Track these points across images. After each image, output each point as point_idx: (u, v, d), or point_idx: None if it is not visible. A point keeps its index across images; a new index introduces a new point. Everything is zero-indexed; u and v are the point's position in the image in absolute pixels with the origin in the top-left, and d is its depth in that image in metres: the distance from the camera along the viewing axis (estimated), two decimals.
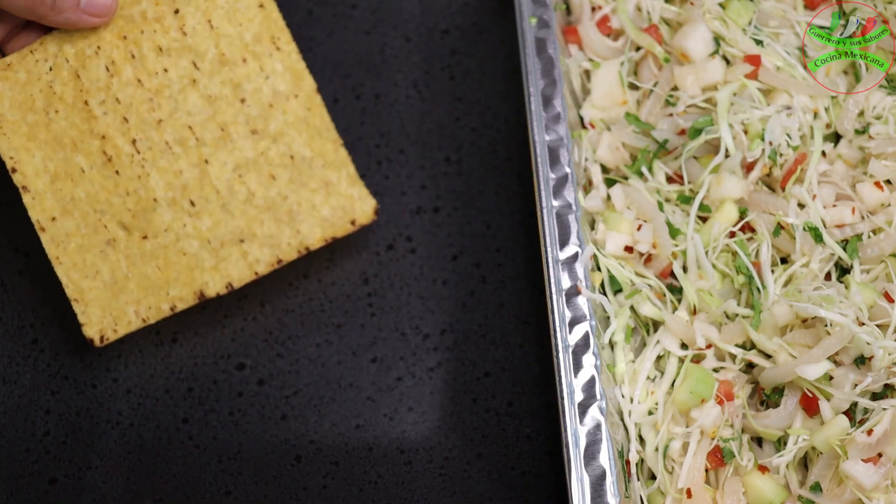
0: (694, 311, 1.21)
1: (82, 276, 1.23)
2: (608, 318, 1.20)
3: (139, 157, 1.23)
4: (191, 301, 1.25)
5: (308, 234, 1.27)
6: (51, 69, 1.22)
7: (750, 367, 1.20)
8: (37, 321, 1.34)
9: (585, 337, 1.16)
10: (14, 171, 1.22)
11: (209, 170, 1.25)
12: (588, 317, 1.16)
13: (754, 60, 1.27)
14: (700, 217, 1.24)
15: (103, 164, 1.23)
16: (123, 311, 1.24)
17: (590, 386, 1.14)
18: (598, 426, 1.12)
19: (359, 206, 1.28)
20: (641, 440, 1.17)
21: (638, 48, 1.32)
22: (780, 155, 1.24)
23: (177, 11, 1.23)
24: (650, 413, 1.18)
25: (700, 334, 1.18)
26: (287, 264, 1.27)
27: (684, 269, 1.23)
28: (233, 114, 1.25)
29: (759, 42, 1.29)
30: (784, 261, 1.23)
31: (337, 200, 1.28)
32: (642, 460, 1.17)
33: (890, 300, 1.17)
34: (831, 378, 1.14)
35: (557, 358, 1.15)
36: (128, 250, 1.24)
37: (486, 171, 1.41)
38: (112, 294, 1.24)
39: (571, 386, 1.14)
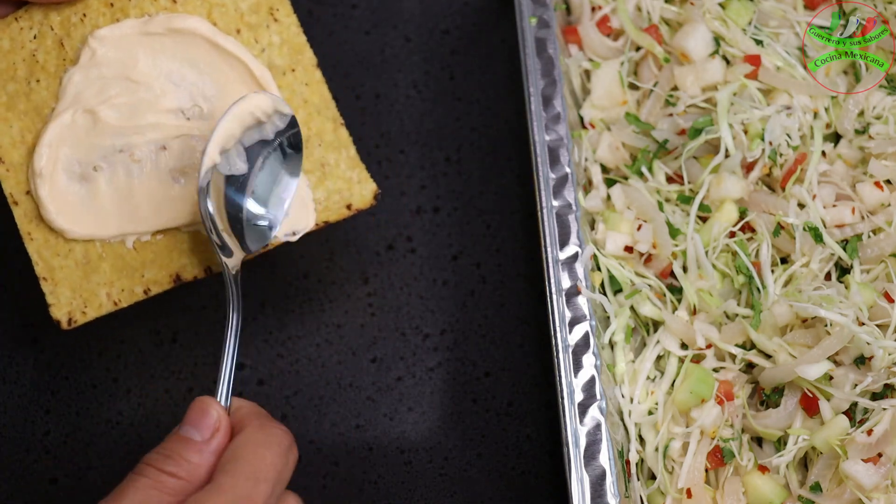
0: (694, 311, 1.21)
1: (54, 254, 1.18)
2: (608, 318, 1.20)
3: None
4: (166, 285, 1.19)
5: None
6: (35, 37, 1.16)
7: (750, 367, 1.20)
8: (37, 321, 1.34)
9: (585, 337, 1.16)
10: None
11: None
12: (588, 317, 1.16)
13: (754, 60, 1.27)
14: (700, 217, 1.24)
15: None
16: (94, 292, 1.18)
17: (590, 386, 1.14)
18: (598, 426, 1.12)
19: (357, 189, 1.20)
20: (641, 440, 1.17)
21: (638, 48, 1.32)
22: (780, 155, 1.24)
23: None
24: (650, 413, 1.18)
25: (700, 334, 1.18)
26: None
27: (684, 269, 1.23)
28: None
29: (759, 42, 1.29)
30: (784, 261, 1.24)
31: (333, 183, 1.20)
32: (642, 460, 1.17)
33: (890, 300, 1.17)
34: (831, 378, 1.15)
35: (557, 358, 1.15)
36: None
37: (486, 171, 1.41)
38: (83, 274, 1.18)
39: (571, 386, 1.14)
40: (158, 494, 0.90)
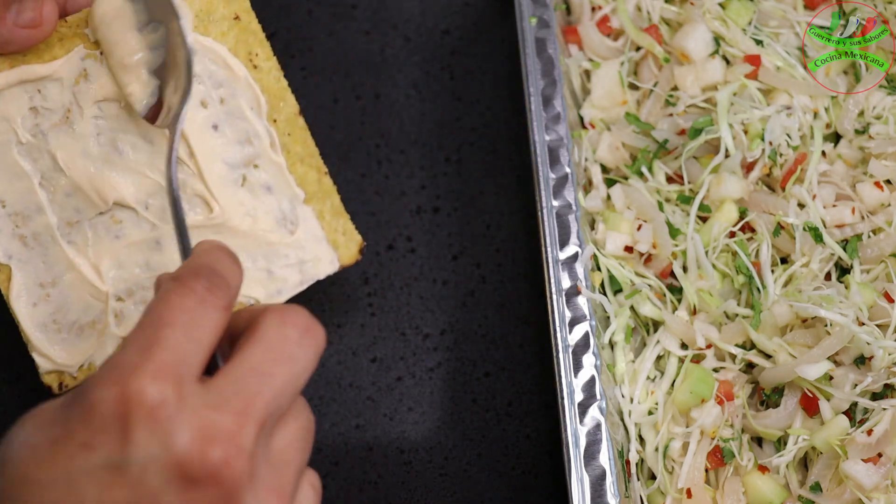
0: (694, 311, 1.21)
1: None
2: (608, 318, 1.20)
3: None
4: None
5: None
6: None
7: (750, 367, 1.20)
8: None
9: (585, 337, 1.16)
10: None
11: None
12: (588, 317, 1.17)
13: (754, 60, 1.28)
14: (700, 217, 1.24)
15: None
16: None
17: (590, 386, 1.14)
18: (598, 426, 1.12)
19: (342, 241, 1.18)
20: (641, 440, 1.17)
21: (638, 48, 1.32)
22: (780, 155, 1.24)
23: None
24: (650, 413, 1.18)
25: (700, 334, 1.19)
26: None
27: (684, 269, 1.23)
28: None
29: (759, 42, 1.29)
30: (784, 261, 1.24)
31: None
32: (642, 460, 1.17)
33: (890, 300, 1.17)
34: (831, 378, 1.15)
35: (557, 358, 1.15)
36: None
37: (486, 171, 1.41)
38: None
39: (571, 386, 1.14)
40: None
